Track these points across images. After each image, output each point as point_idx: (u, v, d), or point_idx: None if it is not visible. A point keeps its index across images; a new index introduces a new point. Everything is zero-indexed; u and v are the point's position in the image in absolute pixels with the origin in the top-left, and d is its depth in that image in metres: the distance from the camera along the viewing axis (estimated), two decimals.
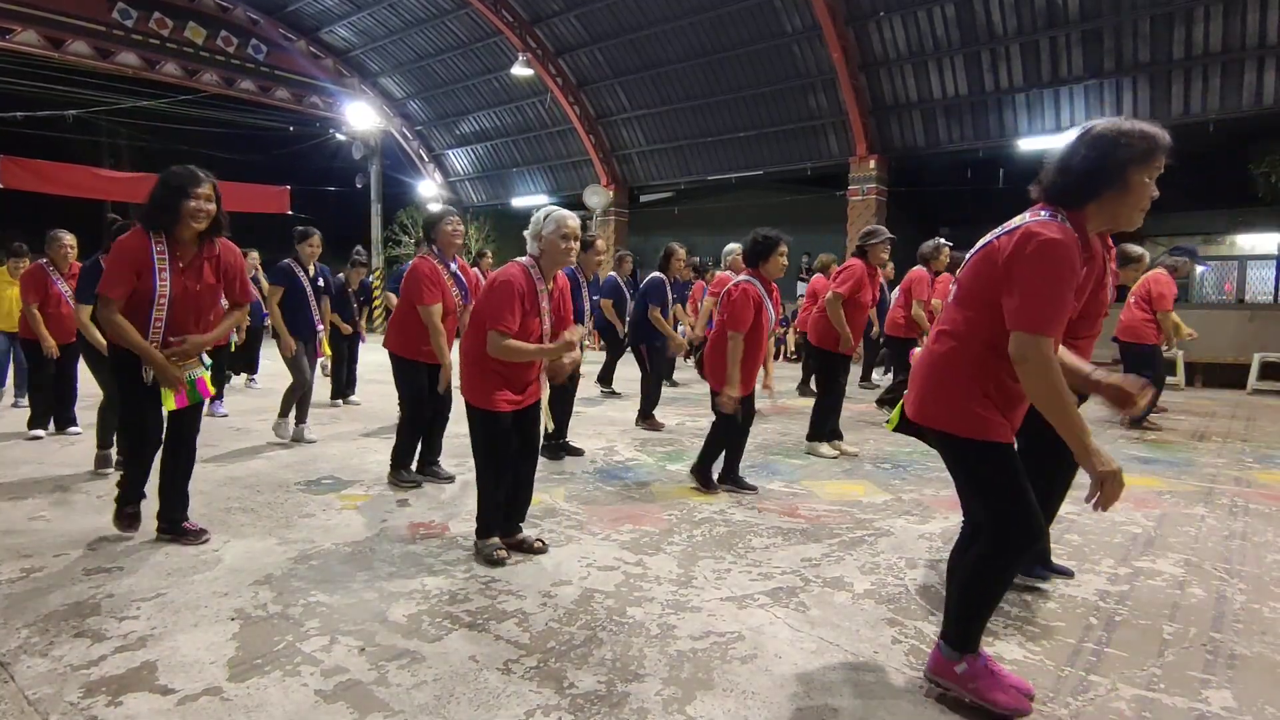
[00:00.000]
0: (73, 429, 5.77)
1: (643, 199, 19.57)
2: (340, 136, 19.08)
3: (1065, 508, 4.04)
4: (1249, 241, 17.45)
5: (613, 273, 7.74)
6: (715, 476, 4.44)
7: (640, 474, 4.88)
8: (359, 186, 19.61)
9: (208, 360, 3.47)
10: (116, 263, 3.17)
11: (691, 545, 3.48)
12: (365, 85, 18.80)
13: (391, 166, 20.09)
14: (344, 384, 7.77)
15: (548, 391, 3.45)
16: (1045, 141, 11.08)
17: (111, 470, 4.61)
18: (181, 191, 3.14)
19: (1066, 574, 3.15)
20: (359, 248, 8.44)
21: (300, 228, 5.77)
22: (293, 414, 5.68)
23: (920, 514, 4.04)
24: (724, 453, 4.46)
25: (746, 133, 14.43)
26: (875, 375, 10.08)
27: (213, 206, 3.22)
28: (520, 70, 14.93)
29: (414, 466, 4.57)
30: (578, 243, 3.23)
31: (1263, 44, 9.64)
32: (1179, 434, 6.60)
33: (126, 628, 2.55)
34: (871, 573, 3.18)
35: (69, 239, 5.59)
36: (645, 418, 6.59)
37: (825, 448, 5.52)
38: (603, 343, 8.38)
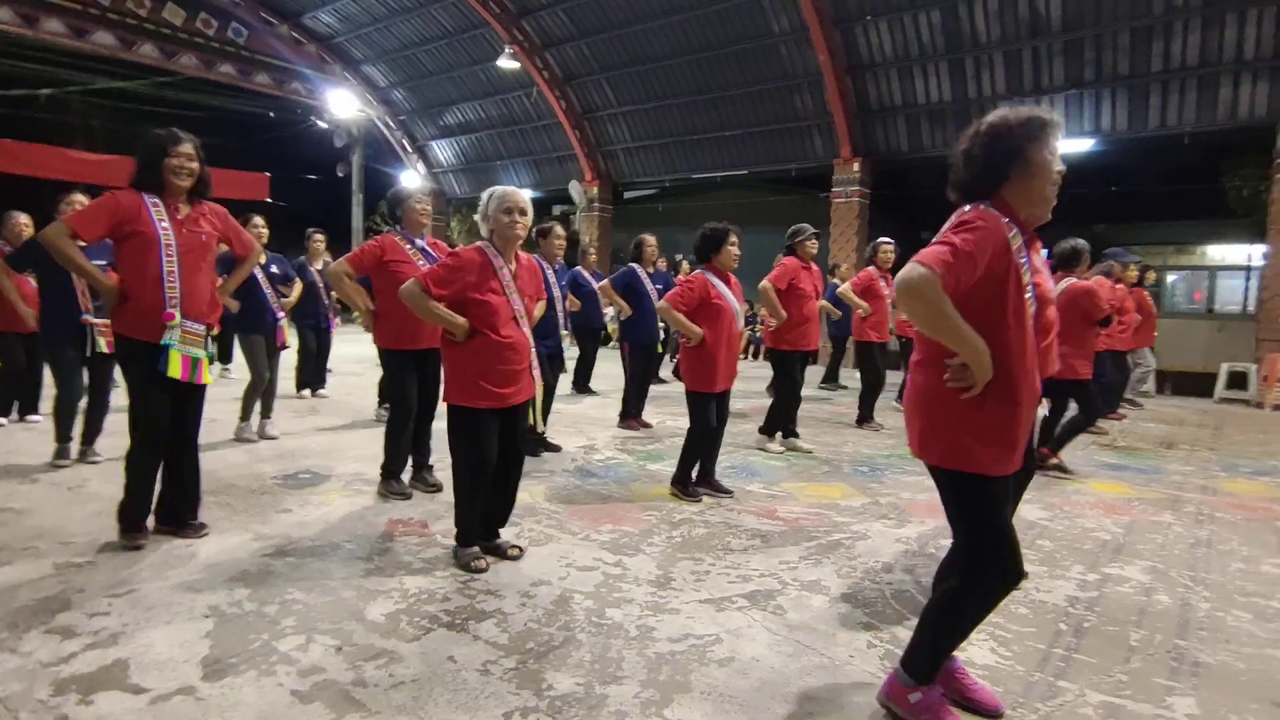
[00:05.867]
0: (33, 417, 5.74)
1: (627, 196, 19.51)
2: (322, 124, 18.80)
3: (1037, 513, 4.14)
4: (1220, 252, 17.80)
5: (577, 267, 7.55)
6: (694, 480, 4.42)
7: (620, 473, 4.89)
8: (340, 175, 19.36)
9: (212, 349, 3.45)
10: (98, 206, 3.16)
11: (670, 546, 3.49)
12: (348, 72, 18.52)
13: (374, 156, 19.82)
14: (311, 376, 7.58)
15: (540, 389, 3.35)
16: None
17: (69, 462, 4.55)
18: (161, 150, 3.20)
19: None
20: (309, 230, 7.53)
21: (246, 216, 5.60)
22: (257, 411, 5.55)
23: (897, 518, 4.09)
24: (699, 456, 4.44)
25: (732, 132, 14.44)
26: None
27: (195, 165, 3.28)
28: (507, 63, 14.82)
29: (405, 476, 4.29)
30: (525, 216, 3.14)
31: (1239, 59, 9.82)
32: (1148, 441, 6.73)
33: (97, 624, 2.51)
34: (848, 576, 3.21)
35: (24, 218, 5.39)
36: (625, 419, 6.54)
37: (773, 444, 5.60)
38: (575, 343, 7.78)
